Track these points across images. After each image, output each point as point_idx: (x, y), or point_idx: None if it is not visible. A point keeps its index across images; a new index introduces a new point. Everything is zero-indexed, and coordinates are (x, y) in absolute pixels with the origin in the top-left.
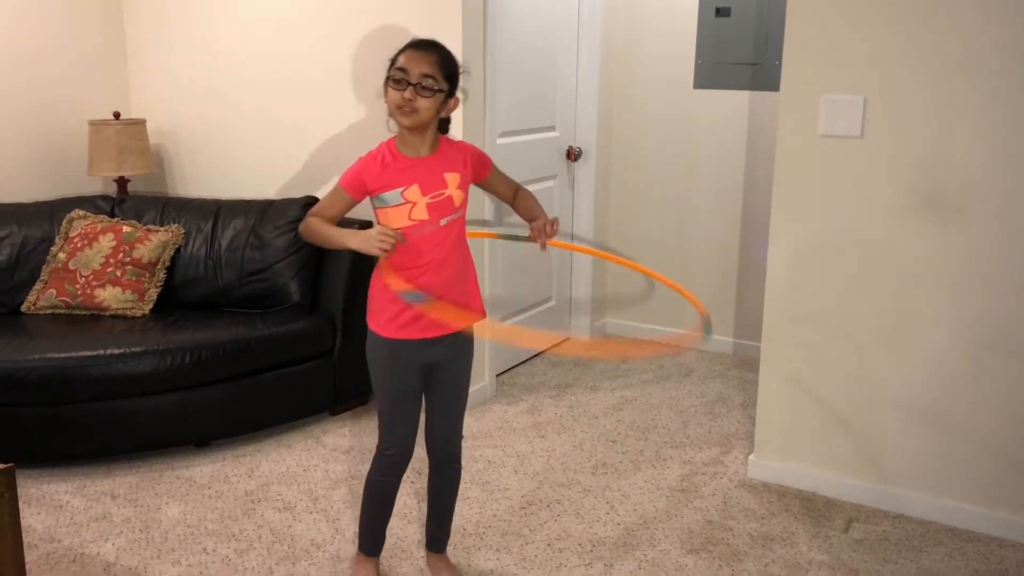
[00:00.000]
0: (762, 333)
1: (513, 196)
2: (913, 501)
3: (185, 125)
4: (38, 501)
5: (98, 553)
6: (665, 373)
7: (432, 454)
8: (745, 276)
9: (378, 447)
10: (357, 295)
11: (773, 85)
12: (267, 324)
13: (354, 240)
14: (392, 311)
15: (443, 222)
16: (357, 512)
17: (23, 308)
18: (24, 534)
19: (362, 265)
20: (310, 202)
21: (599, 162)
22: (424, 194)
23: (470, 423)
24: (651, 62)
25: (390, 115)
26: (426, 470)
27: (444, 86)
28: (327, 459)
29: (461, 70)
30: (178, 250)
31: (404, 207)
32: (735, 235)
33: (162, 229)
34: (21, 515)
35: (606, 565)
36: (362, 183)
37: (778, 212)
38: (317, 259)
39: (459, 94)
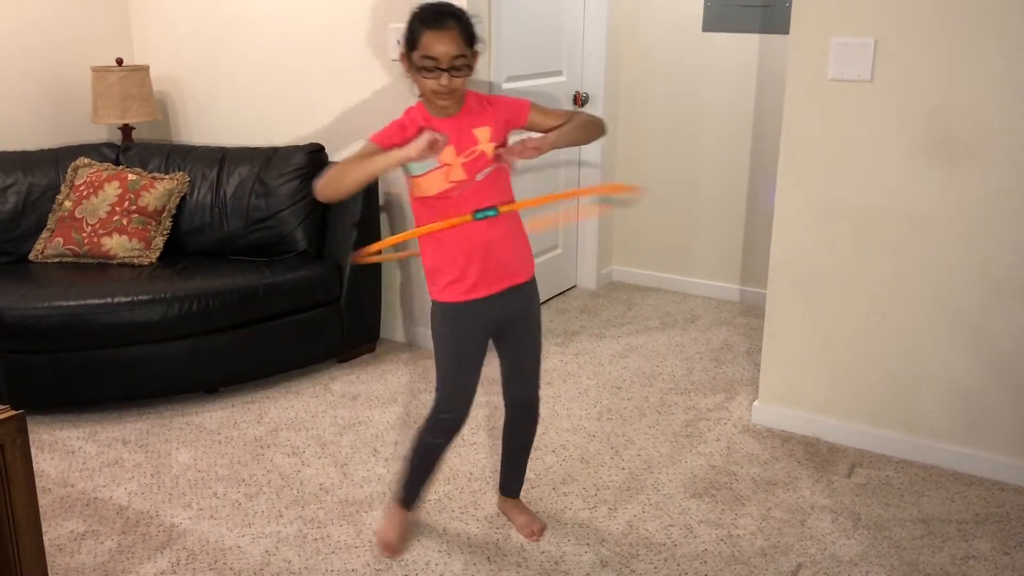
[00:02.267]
0: (768, 280)
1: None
2: (916, 446)
3: (188, 71)
4: (51, 447)
5: (111, 497)
6: (671, 320)
7: (512, 405)
8: (752, 224)
9: (434, 409)
10: (363, 243)
11: (783, 28)
12: (274, 272)
13: (399, 153)
14: (451, 274)
15: (479, 177)
16: (364, 457)
17: (31, 256)
18: (37, 479)
19: (368, 213)
20: (315, 149)
21: (606, 108)
22: (459, 154)
23: None
24: (659, 5)
25: (419, 91)
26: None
27: (472, 55)
28: (335, 405)
29: (475, 22)
30: (183, 198)
31: (440, 171)
32: (743, 183)
33: (167, 177)
34: (34, 460)
35: (610, 509)
36: (397, 145)
37: (786, 158)
38: (322, 207)
39: (478, 47)
